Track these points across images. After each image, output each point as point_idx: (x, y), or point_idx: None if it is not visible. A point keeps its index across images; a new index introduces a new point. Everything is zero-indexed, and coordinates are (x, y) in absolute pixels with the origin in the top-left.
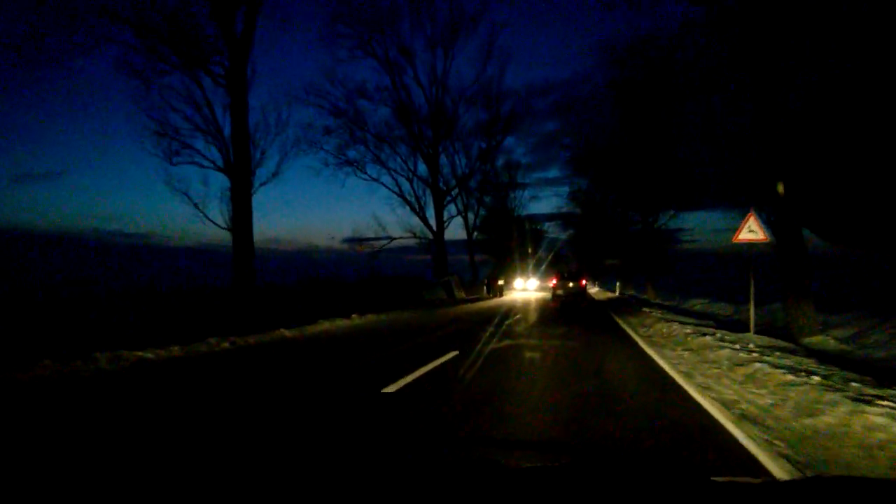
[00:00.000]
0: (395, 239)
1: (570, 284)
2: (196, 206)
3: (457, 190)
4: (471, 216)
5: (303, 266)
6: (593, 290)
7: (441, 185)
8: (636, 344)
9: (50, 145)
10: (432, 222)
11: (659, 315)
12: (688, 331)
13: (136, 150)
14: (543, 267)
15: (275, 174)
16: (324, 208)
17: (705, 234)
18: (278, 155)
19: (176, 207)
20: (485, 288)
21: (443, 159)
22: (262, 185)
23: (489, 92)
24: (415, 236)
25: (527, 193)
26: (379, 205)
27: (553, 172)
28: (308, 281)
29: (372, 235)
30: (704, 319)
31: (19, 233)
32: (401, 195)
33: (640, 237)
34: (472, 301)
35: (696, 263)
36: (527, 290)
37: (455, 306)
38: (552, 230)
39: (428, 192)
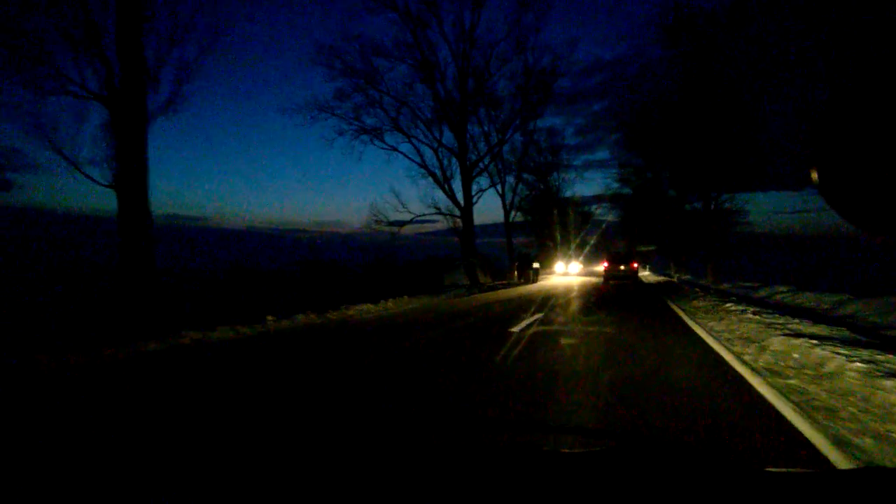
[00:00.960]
0: (417, 217)
1: (622, 267)
2: (63, 154)
3: (488, 159)
4: (508, 194)
5: (319, 249)
6: (644, 273)
7: (471, 156)
8: (742, 380)
9: None
10: (459, 197)
11: (735, 308)
12: (823, 352)
13: None
14: (586, 250)
15: (170, 102)
16: (341, 185)
17: (759, 216)
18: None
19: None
20: (515, 272)
21: (474, 129)
22: (161, 114)
23: (524, 42)
24: (439, 212)
25: (572, 175)
26: (398, 180)
27: (601, 154)
28: (305, 265)
29: (391, 214)
30: (800, 316)
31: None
32: (423, 165)
33: (698, 217)
34: (501, 287)
35: (751, 247)
36: (568, 274)
37: (475, 294)
38: (599, 212)
39: (455, 163)
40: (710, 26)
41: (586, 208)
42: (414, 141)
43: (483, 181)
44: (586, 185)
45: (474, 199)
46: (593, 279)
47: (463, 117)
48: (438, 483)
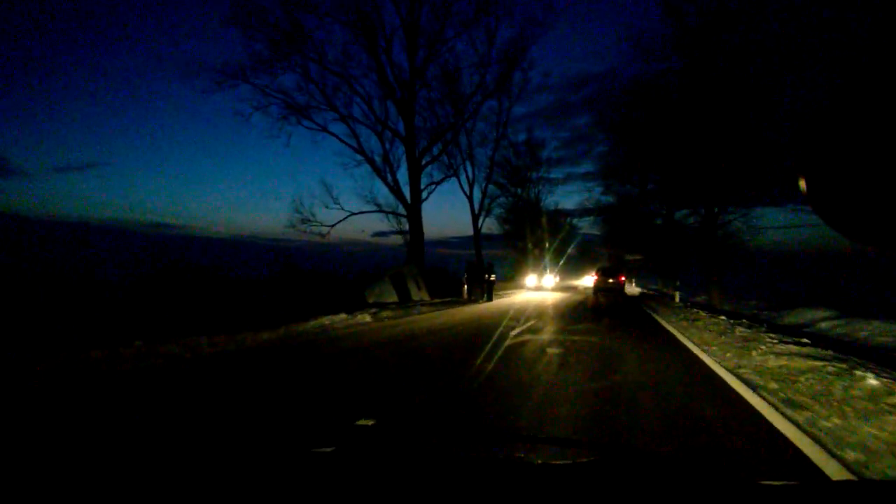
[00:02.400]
0: (352, 215)
1: (610, 280)
2: None
3: (440, 145)
4: (478, 195)
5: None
6: (633, 290)
7: (422, 142)
8: None
9: (93, 137)
10: (407, 193)
11: (815, 362)
12: None
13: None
14: (562, 261)
15: None
16: (262, 177)
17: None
18: None
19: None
20: (465, 287)
21: (430, 116)
22: None
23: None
24: (380, 210)
25: (556, 187)
26: (331, 171)
27: (585, 167)
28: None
29: (320, 212)
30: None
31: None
32: (360, 150)
33: (697, 230)
34: (439, 307)
35: (746, 263)
36: (542, 288)
37: (383, 321)
38: (580, 225)
39: (402, 150)
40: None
41: (568, 220)
42: (350, 121)
43: (437, 174)
44: (569, 197)
45: (425, 195)
46: (572, 295)
47: (411, 93)
48: (428, 495)
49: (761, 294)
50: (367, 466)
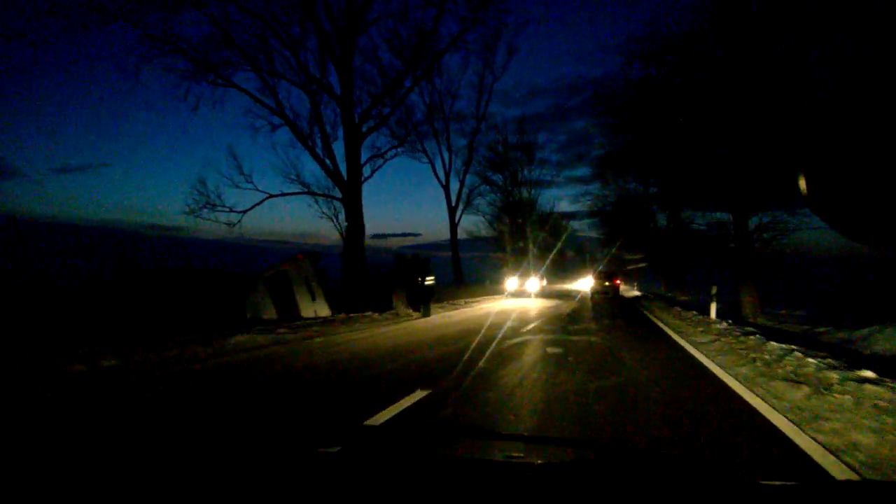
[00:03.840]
0: (269, 198)
1: (606, 283)
2: None
3: (388, 110)
4: (455, 184)
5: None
6: (635, 293)
7: (366, 107)
8: None
9: (91, 140)
10: (343, 168)
11: None
12: None
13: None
14: (547, 262)
15: None
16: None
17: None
18: None
19: None
20: (395, 298)
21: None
22: None
23: None
24: (309, 191)
25: (554, 189)
26: (248, 145)
27: (582, 171)
28: None
29: (229, 193)
30: None
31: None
32: (279, 112)
33: (719, 234)
34: (329, 330)
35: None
36: (524, 293)
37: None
38: (580, 228)
39: (341, 117)
40: None
41: (564, 222)
42: (264, 74)
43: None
44: (567, 200)
45: (367, 172)
46: (559, 304)
47: (349, 41)
48: (431, 495)
49: (792, 300)
50: (372, 468)
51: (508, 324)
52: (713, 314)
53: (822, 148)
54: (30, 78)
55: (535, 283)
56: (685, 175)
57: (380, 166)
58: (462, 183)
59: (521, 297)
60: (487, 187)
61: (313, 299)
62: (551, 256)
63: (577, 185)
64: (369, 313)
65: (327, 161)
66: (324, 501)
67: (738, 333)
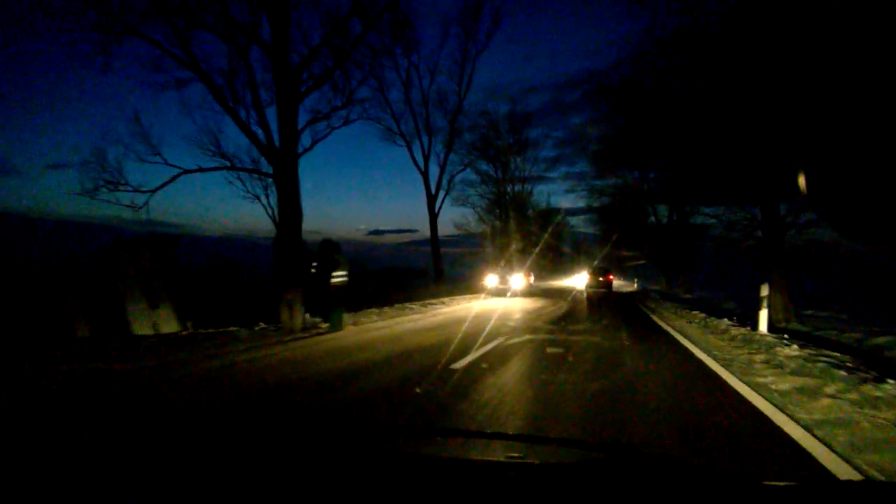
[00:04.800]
0: (183, 174)
1: (601, 279)
2: None
3: (331, 62)
4: (435, 170)
5: None
6: (632, 288)
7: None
8: None
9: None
10: (277, 137)
11: None
12: None
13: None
14: (533, 255)
15: None
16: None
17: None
18: None
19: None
20: (283, 305)
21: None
22: None
23: None
24: (233, 167)
25: (551, 186)
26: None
27: (580, 166)
28: None
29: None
30: None
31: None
32: (191, 65)
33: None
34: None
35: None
36: (507, 290)
37: None
38: (575, 223)
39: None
40: None
41: (560, 218)
42: (175, 20)
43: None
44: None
45: (308, 142)
46: (546, 306)
47: None
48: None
49: (814, 298)
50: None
51: (453, 345)
52: (763, 326)
53: (823, 145)
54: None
55: (519, 279)
56: (698, 154)
57: (325, 135)
58: (442, 168)
59: (502, 297)
60: (478, 178)
61: (153, 307)
62: (537, 251)
63: (574, 181)
64: (236, 329)
65: (257, 130)
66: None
67: (844, 371)
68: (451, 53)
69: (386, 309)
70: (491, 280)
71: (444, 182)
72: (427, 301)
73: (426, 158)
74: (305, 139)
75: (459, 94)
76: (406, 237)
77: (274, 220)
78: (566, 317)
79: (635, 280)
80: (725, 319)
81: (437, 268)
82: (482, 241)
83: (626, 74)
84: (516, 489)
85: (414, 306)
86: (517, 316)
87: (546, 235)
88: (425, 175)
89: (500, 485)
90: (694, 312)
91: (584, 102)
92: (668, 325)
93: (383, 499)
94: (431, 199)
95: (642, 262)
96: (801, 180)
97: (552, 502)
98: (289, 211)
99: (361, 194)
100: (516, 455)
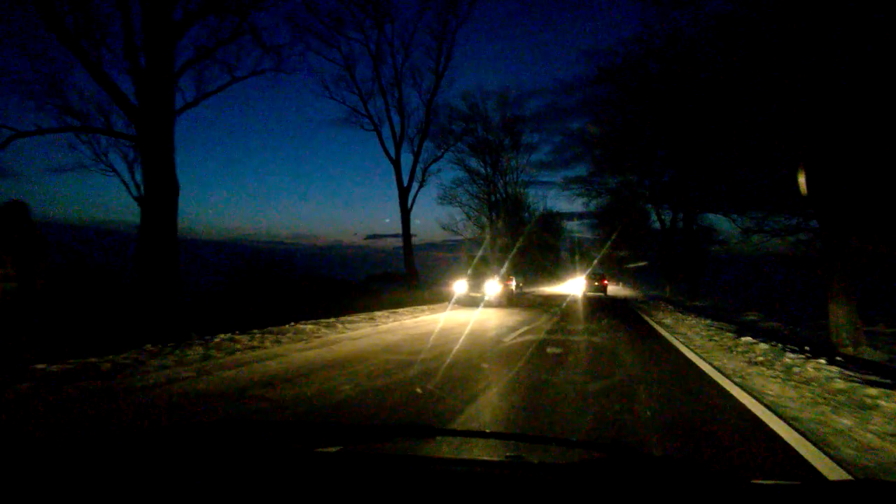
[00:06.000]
0: (16, 137)
1: (596, 283)
2: None
3: None
4: (408, 158)
5: None
6: (630, 293)
7: None
8: None
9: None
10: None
11: None
12: None
13: None
14: (509, 259)
15: None
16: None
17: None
18: None
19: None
20: None
21: None
22: None
23: None
24: (84, 127)
25: (550, 191)
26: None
27: (578, 170)
28: None
29: None
30: None
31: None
32: None
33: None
34: None
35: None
36: (481, 301)
37: None
38: (572, 227)
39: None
40: None
41: (559, 222)
42: None
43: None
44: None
45: (190, 96)
46: (528, 321)
47: None
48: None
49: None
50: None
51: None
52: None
53: (826, 148)
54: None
55: (495, 286)
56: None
57: (222, 87)
58: (416, 156)
59: (473, 307)
60: (467, 175)
61: None
62: (514, 252)
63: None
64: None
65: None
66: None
67: None
68: (428, 26)
69: (288, 328)
70: (460, 286)
71: (419, 173)
72: (374, 313)
73: (398, 146)
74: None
75: (437, 72)
76: (400, 242)
77: (137, 199)
78: (536, 349)
79: (641, 288)
80: (762, 344)
81: (409, 271)
82: (471, 244)
83: (633, 55)
84: (517, 489)
85: (333, 323)
86: (450, 346)
87: (539, 239)
88: (396, 164)
89: (500, 484)
90: (725, 332)
91: (583, 107)
92: (698, 355)
93: (383, 499)
94: (404, 192)
95: (643, 263)
96: (802, 180)
97: (553, 502)
98: (160, 187)
99: (361, 199)
100: (515, 455)
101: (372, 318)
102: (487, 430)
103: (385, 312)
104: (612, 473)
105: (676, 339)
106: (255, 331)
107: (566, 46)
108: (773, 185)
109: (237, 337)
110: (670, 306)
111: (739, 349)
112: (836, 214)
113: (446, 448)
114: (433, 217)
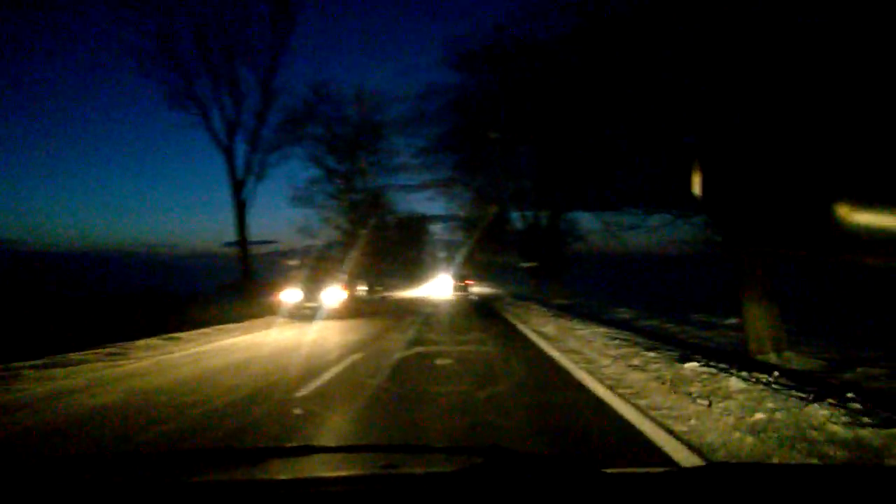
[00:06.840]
0: None
1: (461, 284)
2: None
3: None
4: (242, 149)
5: None
6: (490, 290)
7: None
8: None
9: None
10: None
11: None
12: None
13: None
14: (346, 267)
15: None
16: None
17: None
18: None
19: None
20: None
21: None
22: None
23: None
24: None
25: (413, 194)
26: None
27: (442, 174)
28: None
29: None
30: None
31: None
32: None
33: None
34: None
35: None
36: (311, 314)
37: None
38: (435, 230)
39: None
40: None
41: (423, 225)
42: None
43: None
44: (427, 204)
45: None
46: (357, 341)
47: None
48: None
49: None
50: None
51: None
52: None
53: (722, 145)
54: None
55: (334, 293)
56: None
57: None
58: (253, 144)
59: (306, 322)
60: (323, 172)
61: None
62: (355, 251)
63: (436, 188)
64: None
65: None
66: None
67: None
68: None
69: None
70: (290, 295)
71: (256, 164)
72: (152, 340)
73: (231, 132)
74: None
75: (275, 45)
76: (264, 248)
77: None
78: (354, 392)
79: (502, 284)
80: (650, 353)
81: (245, 278)
82: (327, 248)
83: (491, 38)
84: (398, 501)
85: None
86: (226, 398)
87: (402, 241)
88: (229, 153)
89: (381, 499)
90: (597, 328)
91: (446, 109)
92: (573, 362)
93: None
94: (237, 186)
95: (534, 264)
96: (696, 181)
97: None
98: None
99: (221, 205)
100: (394, 467)
101: (171, 341)
102: (363, 444)
103: (196, 332)
104: (495, 480)
105: (548, 345)
106: None
107: (431, 44)
108: (651, 182)
109: None
110: (543, 308)
111: (629, 356)
112: (736, 220)
113: (322, 467)
114: (294, 222)
